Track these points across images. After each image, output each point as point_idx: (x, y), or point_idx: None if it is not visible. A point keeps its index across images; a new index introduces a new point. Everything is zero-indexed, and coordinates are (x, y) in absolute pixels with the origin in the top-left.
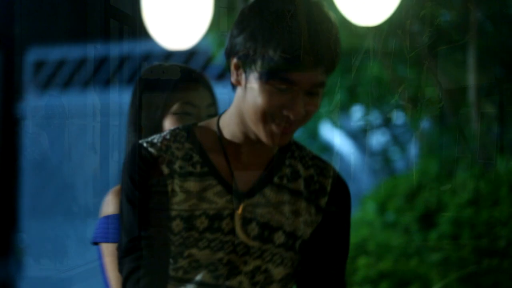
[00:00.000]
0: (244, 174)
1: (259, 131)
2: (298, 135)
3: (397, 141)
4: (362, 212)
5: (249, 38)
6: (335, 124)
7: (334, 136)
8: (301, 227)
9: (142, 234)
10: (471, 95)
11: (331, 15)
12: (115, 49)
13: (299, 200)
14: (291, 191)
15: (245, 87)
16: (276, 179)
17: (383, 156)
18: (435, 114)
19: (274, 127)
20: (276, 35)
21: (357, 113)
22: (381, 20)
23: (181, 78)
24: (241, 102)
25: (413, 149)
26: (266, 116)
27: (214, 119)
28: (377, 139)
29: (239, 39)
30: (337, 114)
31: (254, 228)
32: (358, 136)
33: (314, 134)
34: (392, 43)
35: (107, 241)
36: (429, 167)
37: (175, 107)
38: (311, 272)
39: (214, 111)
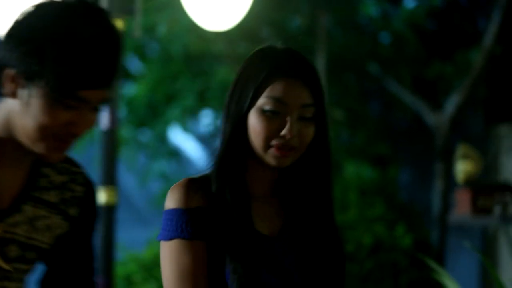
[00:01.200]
0: (2, 190)
1: (38, 147)
2: (149, 139)
3: None
4: None
5: (33, 52)
6: (184, 128)
7: (183, 141)
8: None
9: None
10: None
11: (117, 30)
12: None
13: (53, 212)
14: (46, 203)
15: (24, 101)
16: (35, 192)
17: None
18: None
19: (55, 143)
20: (63, 52)
21: (206, 117)
22: (231, 25)
23: (275, 69)
24: (13, 115)
25: None
26: (48, 132)
27: None
28: None
29: (19, 51)
30: (187, 118)
31: (13, 250)
32: (207, 141)
33: (163, 139)
34: (242, 48)
35: (160, 238)
36: None
37: (261, 101)
38: (56, 281)
39: (310, 113)
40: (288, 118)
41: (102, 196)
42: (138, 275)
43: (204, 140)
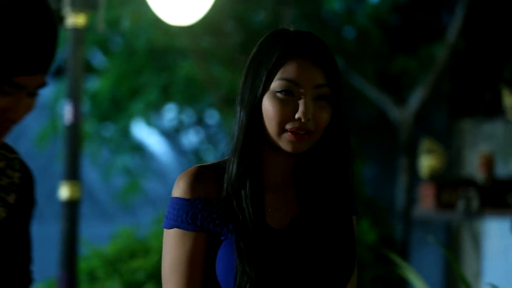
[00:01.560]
0: None
1: None
2: (113, 134)
3: (211, 140)
4: None
5: None
6: (148, 123)
7: (147, 135)
8: None
9: None
10: None
11: (53, 15)
12: None
13: None
14: None
15: None
16: None
17: (196, 155)
18: None
19: None
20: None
21: (170, 112)
22: (195, 20)
23: (287, 50)
24: None
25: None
26: None
27: None
28: (190, 138)
29: None
30: (150, 113)
31: None
32: (171, 135)
33: (127, 133)
34: (206, 42)
35: (163, 225)
36: None
37: (274, 84)
38: None
39: (325, 93)
40: (302, 100)
41: (65, 191)
42: (102, 270)
43: (168, 134)
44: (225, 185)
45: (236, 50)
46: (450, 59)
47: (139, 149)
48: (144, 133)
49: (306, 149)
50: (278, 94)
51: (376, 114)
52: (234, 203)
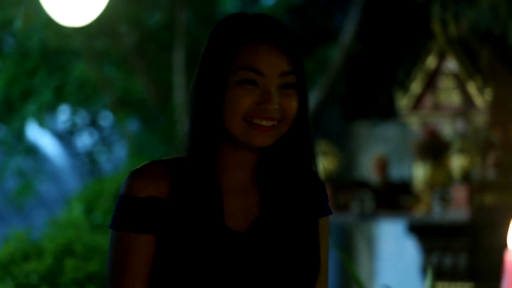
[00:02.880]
0: None
1: None
2: (5, 135)
3: (105, 142)
4: (68, 214)
5: None
6: (41, 124)
7: (40, 137)
8: None
9: None
10: (179, 96)
11: None
12: None
13: None
14: None
15: None
16: None
17: (90, 157)
18: (143, 115)
19: None
20: None
21: (63, 113)
22: (88, 21)
23: (247, 35)
24: None
25: (120, 150)
26: None
27: None
28: (84, 140)
29: None
30: (44, 114)
31: None
32: (64, 137)
33: (20, 135)
34: (100, 44)
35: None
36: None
37: (235, 73)
38: None
39: (291, 81)
40: (267, 89)
41: None
42: None
43: (61, 136)
44: (179, 184)
45: (131, 52)
46: (345, 61)
47: (32, 151)
48: (37, 135)
49: (273, 141)
50: (240, 85)
51: None
52: (189, 203)
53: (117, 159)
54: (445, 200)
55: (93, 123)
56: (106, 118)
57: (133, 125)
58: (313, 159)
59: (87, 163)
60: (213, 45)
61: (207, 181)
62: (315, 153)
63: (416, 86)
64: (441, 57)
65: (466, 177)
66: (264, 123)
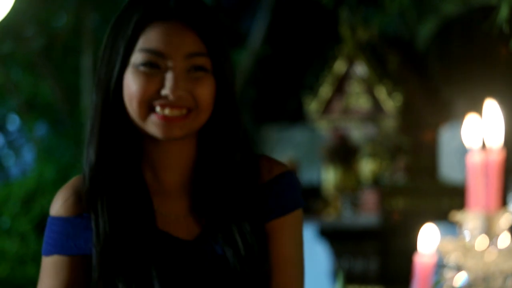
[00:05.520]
0: None
1: None
2: None
3: (12, 146)
4: None
5: None
6: None
7: None
8: None
9: None
10: (87, 100)
11: None
12: None
13: None
14: None
15: None
16: None
17: None
18: (51, 118)
19: None
20: None
21: None
22: None
23: (150, 13)
24: None
25: (28, 154)
26: None
27: None
28: None
29: None
30: None
31: None
32: None
33: None
34: (6, 47)
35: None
36: (45, 172)
37: (135, 57)
38: None
39: (202, 63)
40: (170, 73)
41: None
42: None
43: None
44: (99, 195)
45: (38, 55)
46: (254, 65)
47: None
48: None
49: (184, 134)
50: (141, 68)
51: None
52: (113, 212)
53: (25, 163)
54: (355, 204)
55: (0, 127)
56: (13, 122)
57: (40, 129)
58: (250, 152)
59: None
60: (116, 26)
61: (130, 182)
62: (251, 143)
63: (325, 91)
64: (350, 62)
65: (375, 181)
66: (168, 112)
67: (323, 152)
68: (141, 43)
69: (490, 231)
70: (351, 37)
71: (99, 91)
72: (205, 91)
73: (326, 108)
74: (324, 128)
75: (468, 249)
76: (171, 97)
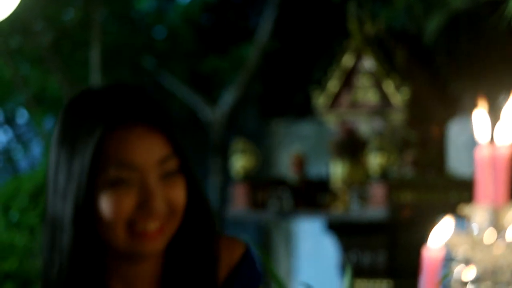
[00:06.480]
0: None
1: None
2: None
3: (20, 140)
4: None
5: None
6: None
7: None
8: None
9: None
10: None
11: None
12: None
13: None
14: None
15: None
16: None
17: (6, 155)
18: (59, 113)
19: None
20: None
21: None
22: (2, 18)
23: (112, 115)
24: None
25: (36, 148)
26: None
27: None
28: (0, 137)
29: None
30: None
31: None
32: None
33: None
34: (14, 41)
35: None
36: None
37: (104, 173)
38: None
39: (173, 166)
40: (145, 185)
41: None
42: None
43: None
44: None
45: (46, 49)
46: (261, 60)
47: None
48: None
49: (165, 243)
50: (114, 185)
51: (187, 114)
52: None
53: (33, 157)
54: (363, 198)
55: (9, 121)
56: (22, 116)
57: (49, 123)
58: (213, 250)
59: (3, 161)
60: (69, 138)
61: None
62: (216, 253)
63: (333, 85)
64: (358, 56)
65: (383, 175)
66: (150, 226)
67: (331, 146)
68: (109, 156)
69: (498, 224)
70: (358, 31)
71: (63, 205)
72: (179, 193)
73: (334, 102)
74: (331, 122)
75: (476, 243)
76: (151, 211)
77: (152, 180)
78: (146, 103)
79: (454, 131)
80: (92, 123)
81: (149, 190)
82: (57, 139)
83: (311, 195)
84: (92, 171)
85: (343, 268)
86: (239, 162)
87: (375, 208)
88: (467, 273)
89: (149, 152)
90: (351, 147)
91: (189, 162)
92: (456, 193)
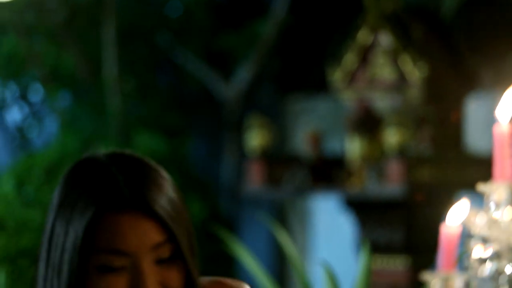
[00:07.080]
0: None
1: None
2: None
3: (35, 116)
4: None
5: None
6: None
7: None
8: None
9: None
10: (111, 70)
11: None
12: None
13: None
14: None
15: None
16: None
17: (20, 132)
18: (74, 89)
19: None
20: None
21: None
22: None
23: (103, 199)
24: None
25: (51, 125)
26: None
27: None
28: (14, 114)
29: None
30: None
31: None
32: None
33: None
34: (29, 18)
35: None
36: (68, 143)
37: (94, 258)
38: None
39: (167, 253)
40: (138, 272)
41: None
42: None
43: None
44: None
45: (60, 26)
46: (277, 35)
47: None
48: None
49: None
50: (103, 274)
51: (202, 90)
52: None
53: (48, 133)
54: (379, 175)
55: (23, 97)
56: (36, 92)
57: (63, 100)
58: None
59: (18, 137)
60: (62, 217)
61: None
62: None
63: (349, 61)
64: (375, 32)
65: (400, 152)
66: None
67: (347, 123)
68: (100, 239)
69: None
70: (375, 7)
71: (57, 282)
72: (175, 278)
73: (351, 78)
74: (348, 98)
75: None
76: None
77: (145, 265)
78: (143, 188)
79: (471, 107)
80: (85, 202)
81: (142, 275)
82: (55, 205)
83: (327, 172)
84: (84, 251)
85: (359, 244)
86: (255, 139)
87: (392, 185)
88: (484, 250)
89: (142, 238)
90: (368, 123)
91: (182, 248)
92: (474, 170)
